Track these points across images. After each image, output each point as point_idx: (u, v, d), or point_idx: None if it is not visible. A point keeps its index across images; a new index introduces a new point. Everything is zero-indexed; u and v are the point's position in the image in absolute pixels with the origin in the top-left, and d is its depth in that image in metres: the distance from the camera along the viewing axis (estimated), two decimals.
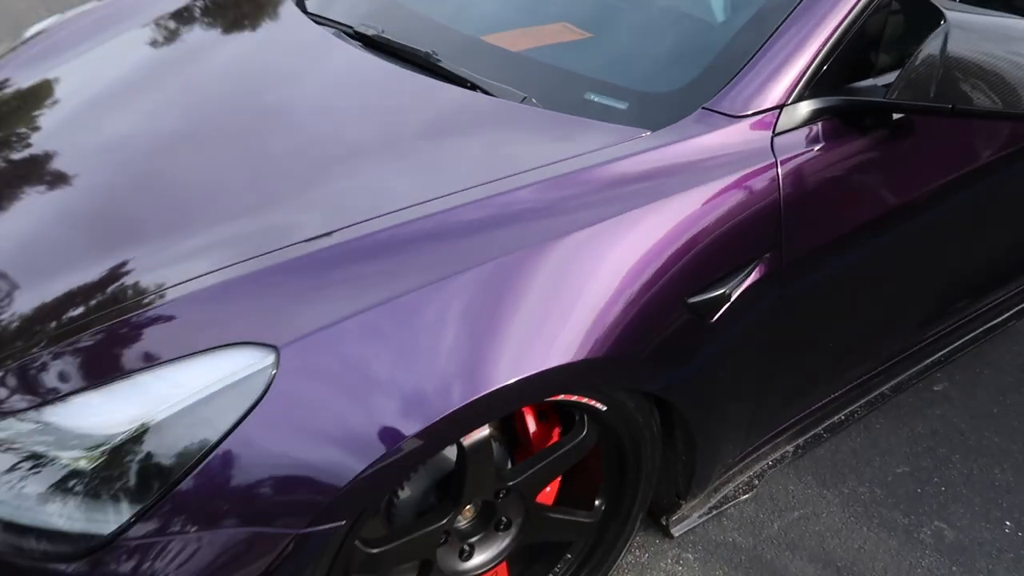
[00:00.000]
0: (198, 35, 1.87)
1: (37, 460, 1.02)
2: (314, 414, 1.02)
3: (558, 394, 1.20)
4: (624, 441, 1.35)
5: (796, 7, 1.36)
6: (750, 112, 1.32)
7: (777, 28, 1.35)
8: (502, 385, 1.08)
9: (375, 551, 1.16)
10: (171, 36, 1.86)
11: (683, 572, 1.67)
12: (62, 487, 1.01)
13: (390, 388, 1.04)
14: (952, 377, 2.18)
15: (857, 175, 1.43)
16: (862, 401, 1.95)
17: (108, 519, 0.99)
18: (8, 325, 1.14)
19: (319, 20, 1.78)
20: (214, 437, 0.99)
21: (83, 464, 1.01)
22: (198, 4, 1.98)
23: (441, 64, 1.55)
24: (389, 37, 1.64)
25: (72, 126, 1.55)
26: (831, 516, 1.81)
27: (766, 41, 1.35)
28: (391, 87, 1.54)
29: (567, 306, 1.15)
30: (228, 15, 1.99)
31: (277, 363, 1.01)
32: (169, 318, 1.08)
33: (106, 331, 1.08)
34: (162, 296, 1.10)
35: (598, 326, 1.16)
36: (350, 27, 1.72)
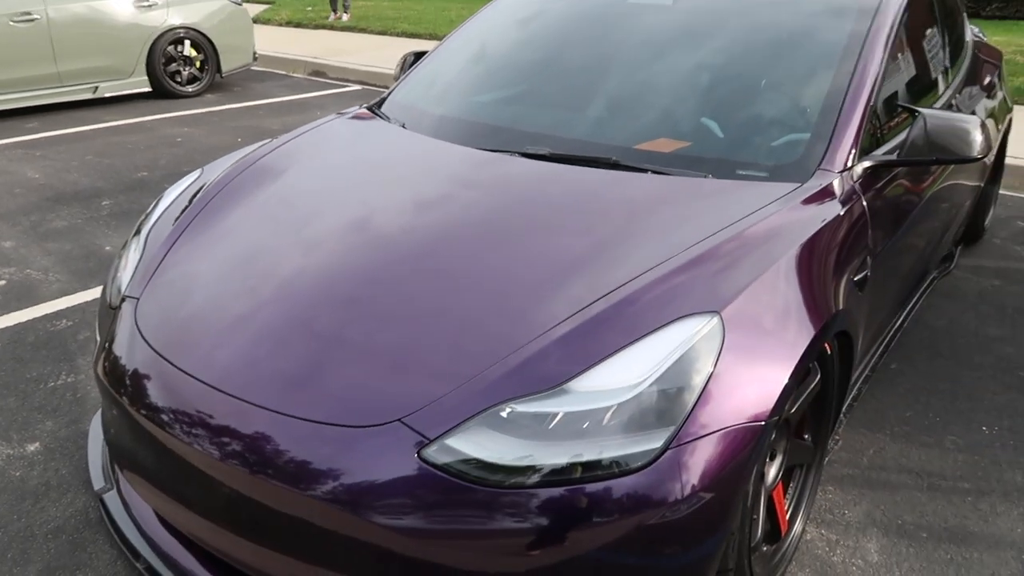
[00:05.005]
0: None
1: (585, 416, 1.49)
2: (754, 345, 1.61)
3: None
4: (832, 377, 2.05)
5: (844, 99, 2.27)
6: (841, 168, 2.18)
7: (838, 114, 2.25)
8: (820, 327, 1.76)
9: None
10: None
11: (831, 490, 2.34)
12: (611, 427, 1.47)
13: (784, 327, 1.68)
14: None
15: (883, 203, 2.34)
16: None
17: (656, 437, 1.47)
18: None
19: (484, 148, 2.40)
20: (706, 371, 1.55)
21: (624, 408, 1.49)
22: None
23: (622, 163, 2.24)
24: (564, 152, 2.31)
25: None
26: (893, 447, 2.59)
27: (835, 123, 2.24)
28: (592, 182, 2.18)
29: (822, 286, 1.86)
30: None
31: (722, 321, 1.60)
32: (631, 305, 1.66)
33: (599, 316, 1.62)
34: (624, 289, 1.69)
35: (842, 288, 1.90)
36: (515, 151, 2.35)
